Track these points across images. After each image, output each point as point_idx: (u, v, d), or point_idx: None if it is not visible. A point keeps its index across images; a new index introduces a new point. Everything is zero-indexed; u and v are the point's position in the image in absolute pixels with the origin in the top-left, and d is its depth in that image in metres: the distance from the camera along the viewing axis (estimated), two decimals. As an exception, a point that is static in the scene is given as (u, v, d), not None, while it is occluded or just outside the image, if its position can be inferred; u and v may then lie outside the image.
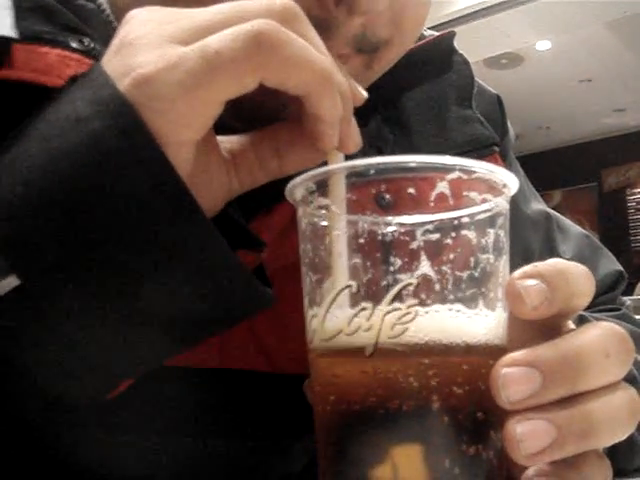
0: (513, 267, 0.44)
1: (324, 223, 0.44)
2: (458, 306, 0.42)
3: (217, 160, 0.49)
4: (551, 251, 0.89)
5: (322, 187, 0.45)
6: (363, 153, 0.66)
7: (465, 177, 0.42)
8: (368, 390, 0.41)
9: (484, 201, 0.43)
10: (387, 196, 0.43)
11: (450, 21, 4.27)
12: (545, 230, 0.91)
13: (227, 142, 0.50)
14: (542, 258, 0.45)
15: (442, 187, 0.42)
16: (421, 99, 0.78)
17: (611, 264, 0.94)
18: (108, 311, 0.42)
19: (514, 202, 0.45)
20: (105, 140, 0.41)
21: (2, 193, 0.41)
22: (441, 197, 0.42)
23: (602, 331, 0.44)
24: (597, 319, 0.76)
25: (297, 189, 0.45)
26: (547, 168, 6.94)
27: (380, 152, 0.72)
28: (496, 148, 0.78)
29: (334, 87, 0.45)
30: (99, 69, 0.44)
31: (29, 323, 0.42)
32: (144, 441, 0.58)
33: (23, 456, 0.55)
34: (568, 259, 0.84)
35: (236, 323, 0.49)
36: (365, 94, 0.51)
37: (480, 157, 0.76)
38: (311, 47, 0.45)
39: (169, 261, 0.42)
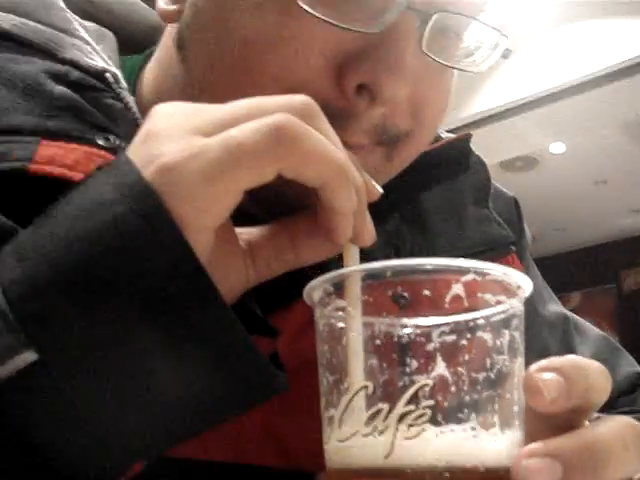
0: None
1: (341, 325, 0.45)
2: (473, 423, 0.42)
3: (235, 250, 0.50)
4: (569, 353, 0.88)
5: (339, 289, 0.45)
6: (381, 251, 0.67)
7: (479, 279, 0.43)
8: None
9: (499, 303, 0.43)
10: (405, 294, 0.44)
11: (465, 125, 4.34)
12: (563, 332, 0.90)
13: (245, 233, 0.52)
14: None
15: (457, 289, 0.43)
16: (439, 199, 0.79)
17: (630, 366, 0.93)
18: (123, 390, 0.43)
19: (531, 304, 0.46)
20: (127, 223, 0.42)
21: (27, 271, 0.42)
22: (456, 298, 0.43)
23: (619, 424, 0.44)
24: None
25: (315, 291, 0.46)
26: (565, 270, 6.92)
27: (398, 250, 0.73)
28: (513, 247, 0.79)
29: (349, 181, 0.47)
30: (125, 157, 0.46)
31: (44, 400, 0.42)
32: None
33: None
34: None
35: (249, 407, 0.49)
36: (380, 190, 0.53)
37: (497, 257, 0.76)
38: (328, 141, 0.46)
39: (186, 343, 0.43)
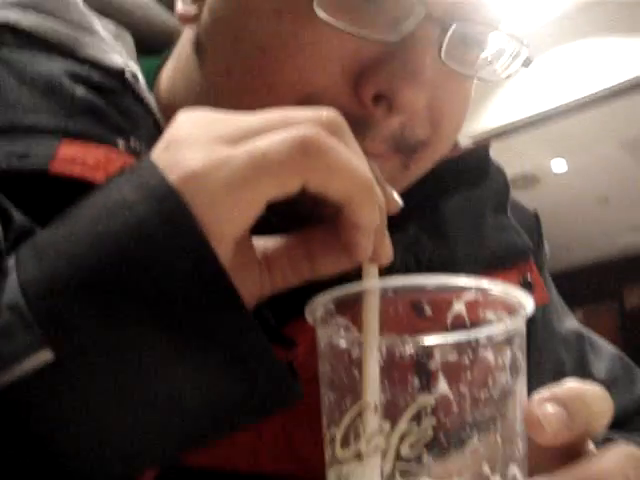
0: (543, 386, 0.44)
1: (342, 343, 0.45)
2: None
3: (251, 260, 0.50)
4: (583, 371, 0.87)
5: (341, 307, 0.45)
6: (401, 258, 0.66)
7: (481, 297, 0.43)
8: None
9: (500, 321, 0.43)
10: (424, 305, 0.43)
11: (466, 144, 4.35)
12: (578, 349, 0.89)
13: (262, 243, 0.51)
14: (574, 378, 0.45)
15: (458, 307, 0.43)
16: (459, 207, 0.78)
17: None
18: (139, 393, 0.42)
19: (547, 320, 0.46)
20: (149, 224, 0.42)
21: (45, 269, 0.42)
22: (458, 317, 0.43)
23: (621, 456, 0.43)
24: (627, 440, 0.74)
25: (316, 309, 0.46)
26: (567, 287, 6.89)
27: (417, 258, 0.72)
28: (531, 256, 0.78)
29: (375, 197, 0.46)
30: (148, 161, 0.45)
31: (58, 400, 0.42)
32: None
33: None
34: (601, 379, 0.83)
35: (265, 415, 0.48)
36: (400, 202, 0.52)
37: (515, 264, 0.76)
38: (355, 157, 0.46)
39: (204, 346, 0.43)
